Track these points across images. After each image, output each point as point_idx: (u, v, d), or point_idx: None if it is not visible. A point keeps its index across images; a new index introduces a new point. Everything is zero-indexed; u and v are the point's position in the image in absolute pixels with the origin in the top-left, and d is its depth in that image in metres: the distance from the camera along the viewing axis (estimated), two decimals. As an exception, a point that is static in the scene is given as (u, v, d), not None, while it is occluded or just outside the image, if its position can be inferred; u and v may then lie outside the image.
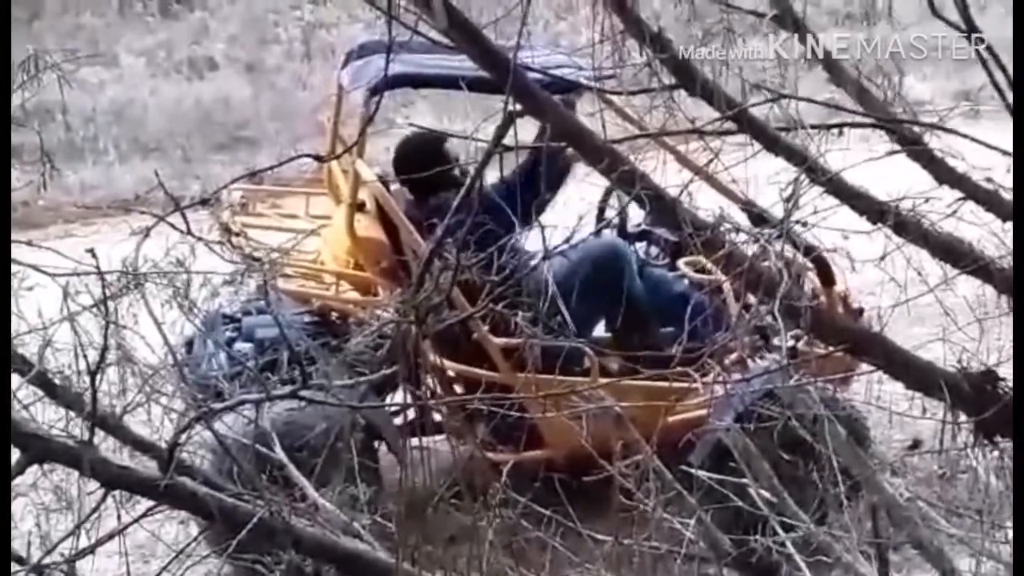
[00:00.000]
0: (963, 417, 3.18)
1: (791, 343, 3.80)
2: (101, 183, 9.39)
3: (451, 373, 4.62)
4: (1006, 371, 3.13)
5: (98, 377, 2.66)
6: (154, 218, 2.76)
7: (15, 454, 2.67)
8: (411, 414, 4.63)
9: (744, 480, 3.11)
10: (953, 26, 3.16)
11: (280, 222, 5.24)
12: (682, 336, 3.39)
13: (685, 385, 3.68)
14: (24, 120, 3.03)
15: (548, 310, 3.26)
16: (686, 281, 4.88)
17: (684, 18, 3.37)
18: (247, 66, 11.53)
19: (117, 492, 2.80)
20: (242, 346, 4.52)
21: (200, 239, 2.84)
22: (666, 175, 3.31)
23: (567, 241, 3.09)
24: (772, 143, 3.22)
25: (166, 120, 10.41)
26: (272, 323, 4.13)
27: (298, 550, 2.88)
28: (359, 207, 4.68)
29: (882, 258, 3.12)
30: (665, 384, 3.91)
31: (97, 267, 2.66)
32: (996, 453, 3.19)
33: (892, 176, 3.25)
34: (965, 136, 3.24)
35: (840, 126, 3.21)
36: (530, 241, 4.19)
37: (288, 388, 2.90)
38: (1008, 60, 3.04)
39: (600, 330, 5.03)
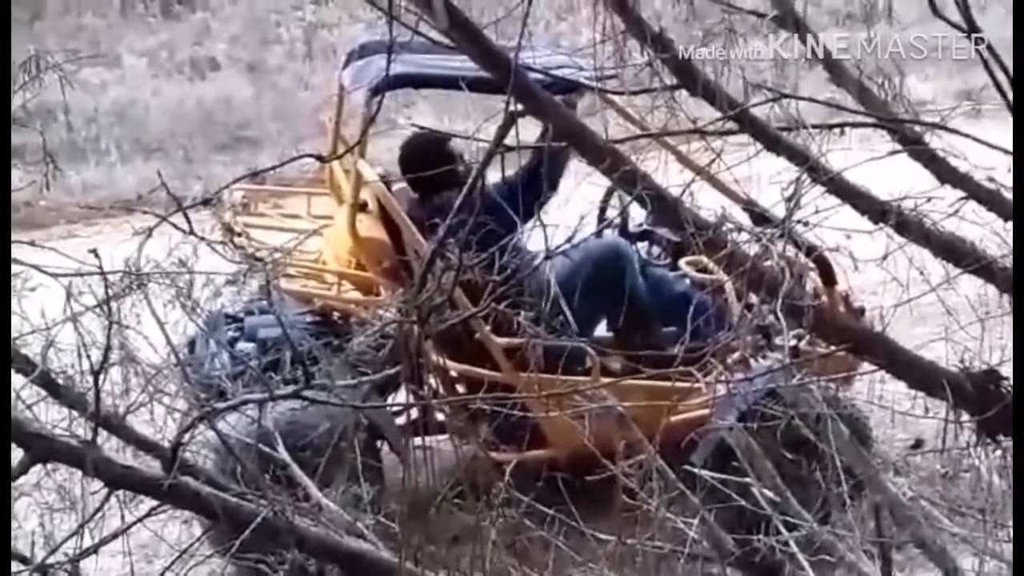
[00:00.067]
0: (965, 416, 3.19)
1: (793, 343, 3.80)
2: (103, 183, 9.40)
3: (453, 373, 4.61)
4: (1008, 370, 3.13)
5: (101, 377, 2.66)
6: (156, 218, 2.76)
7: (19, 453, 2.68)
8: (414, 414, 4.63)
9: (747, 480, 3.11)
10: (954, 26, 3.16)
11: (282, 222, 5.24)
12: (684, 336, 3.39)
13: (687, 385, 3.68)
14: (26, 121, 3.04)
15: (550, 310, 3.27)
16: (688, 281, 4.88)
17: (685, 18, 3.37)
18: (249, 66, 11.54)
19: (120, 492, 2.81)
20: (245, 346, 4.52)
21: (202, 239, 2.85)
22: (668, 175, 3.32)
23: (569, 241, 3.09)
24: (773, 143, 3.23)
25: (168, 120, 10.42)
26: (274, 323, 4.12)
27: (301, 550, 2.89)
28: (361, 207, 4.68)
29: (884, 258, 3.12)
30: (667, 384, 3.90)
31: (100, 267, 2.66)
32: (998, 452, 3.19)
33: (894, 176, 3.25)
34: (967, 136, 3.24)
35: (841, 126, 3.21)
36: (532, 241, 4.19)
37: (291, 388, 2.90)
38: (1009, 60, 3.04)
39: (602, 330, 5.03)
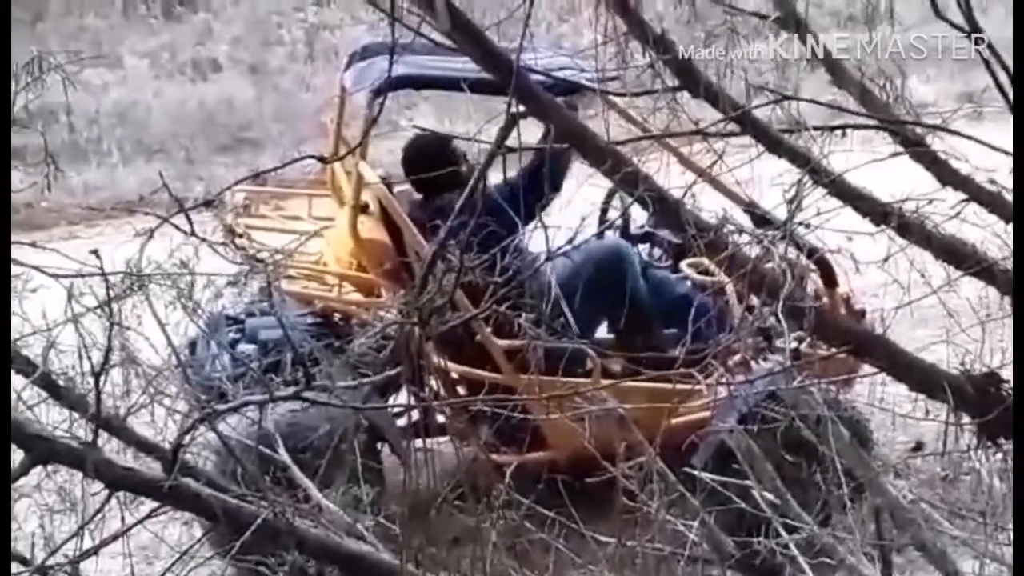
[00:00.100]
0: (966, 419, 3.18)
1: (794, 345, 3.80)
2: (105, 184, 9.40)
3: (454, 375, 4.62)
4: (1009, 373, 3.13)
5: (102, 378, 2.66)
6: (158, 219, 2.76)
7: (19, 455, 2.68)
8: (414, 415, 4.63)
9: (747, 482, 3.11)
10: (956, 27, 3.16)
11: (283, 223, 5.24)
12: (685, 338, 3.38)
13: (688, 387, 3.69)
14: (28, 121, 3.03)
15: (551, 311, 3.27)
16: (689, 283, 4.88)
17: (687, 20, 3.37)
18: (250, 68, 11.54)
19: (121, 493, 2.81)
20: (245, 347, 4.52)
21: (204, 240, 2.85)
22: (669, 177, 3.32)
23: (570, 242, 3.09)
24: (775, 145, 3.23)
25: (170, 122, 10.42)
26: (275, 324, 4.12)
27: (302, 551, 2.89)
28: (362, 209, 4.68)
29: (885, 260, 3.12)
30: (668, 386, 3.90)
31: (101, 268, 2.66)
32: (999, 455, 3.19)
33: (895, 178, 3.25)
34: (968, 138, 3.24)
35: (843, 128, 3.21)
36: (533, 242, 4.19)
37: (292, 389, 2.90)
38: (1009, 60, 3.04)
39: (603, 331, 5.03)
